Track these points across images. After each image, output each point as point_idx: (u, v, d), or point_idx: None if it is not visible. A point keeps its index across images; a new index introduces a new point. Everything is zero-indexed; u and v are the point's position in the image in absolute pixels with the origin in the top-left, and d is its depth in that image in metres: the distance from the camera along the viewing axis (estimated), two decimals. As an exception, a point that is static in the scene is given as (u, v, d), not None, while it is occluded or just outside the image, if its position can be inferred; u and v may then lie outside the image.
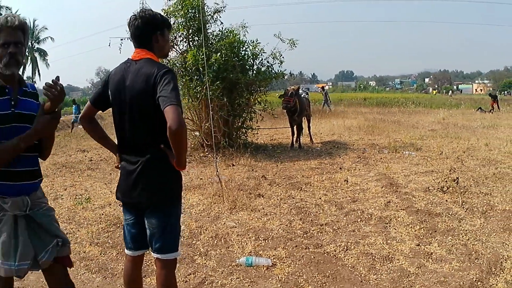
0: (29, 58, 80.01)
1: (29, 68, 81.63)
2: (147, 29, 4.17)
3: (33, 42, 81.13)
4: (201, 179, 12.56)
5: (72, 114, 34.38)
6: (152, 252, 4.27)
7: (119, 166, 4.37)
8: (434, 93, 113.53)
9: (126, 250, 4.52)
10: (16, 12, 75.13)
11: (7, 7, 74.35)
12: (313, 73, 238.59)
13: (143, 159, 4.07)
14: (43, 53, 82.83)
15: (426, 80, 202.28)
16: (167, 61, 17.46)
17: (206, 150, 17.08)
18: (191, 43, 17.57)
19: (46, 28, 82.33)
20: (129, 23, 4.21)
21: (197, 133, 18.19)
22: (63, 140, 25.29)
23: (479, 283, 5.72)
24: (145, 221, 4.24)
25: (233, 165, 14.46)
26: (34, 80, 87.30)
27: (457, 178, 10.41)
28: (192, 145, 18.19)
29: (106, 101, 4.31)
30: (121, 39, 17.43)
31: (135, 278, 4.58)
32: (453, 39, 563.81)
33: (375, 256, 6.71)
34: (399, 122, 28.94)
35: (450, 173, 11.21)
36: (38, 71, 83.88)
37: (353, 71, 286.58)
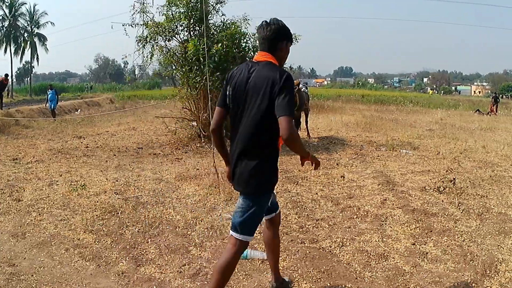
0: (28, 42, 79.70)
1: (28, 52, 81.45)
2: (277, 37, 4.57)
3: (32, 26, 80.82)
4: (197, 169, 12.52)
5: (47, 101, 32.14)
6: (231, 230, 4.73)
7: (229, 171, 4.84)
8: (430, 93, 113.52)
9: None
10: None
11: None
12: (312, 68, 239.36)
13: (249, 151, 4.50)
14: (42, 38, 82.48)
15: (425, 79, 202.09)
16: (167, 50, 17.51)
17: (203, 140, 17.13)
18: (192, 33, 17.59)
19: (46, 13, 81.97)
20: (260, 27, 4.63)
21: (194, 123, 18.15)
22: (59, 126, 25.31)
23: (473, 284, 5.72)
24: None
25: (230, 156, 14.23)
26: (32, 65, 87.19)
27: (454, 179, 10.46)
28: (189, 135, 18.29)
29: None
30: (123, 25, 17.61)
31: (274, 235, 5.32)
32: (453, 40, 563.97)
33: (370, 254, 6.71)
34: (396, 121, 28.95)
35: (446, 174, 11.26)
36: (37, 56, 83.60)
37: (352, 68, 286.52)
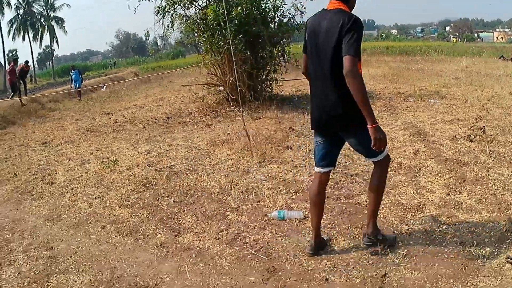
0: (46, 27, 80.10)
1: (47, 37, 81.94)
2: None
3: (48, 10, 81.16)
4: (228, 133, 12.44)
5: (71, 82, 31.90)
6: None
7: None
8: (454, 41, 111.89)
9: (315, 168, 5.41)
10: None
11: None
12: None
13: (327, 91, 4.90)
14: (60, 21, 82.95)
15: (447, 28, 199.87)
16: (187, 18, 17.38)
17: (231, 104, 16.96)
18: (210, -2, 17.29)
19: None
20: None
21: (221, 88, 18.06)
22: (86, 105, 25.34)
23: (508, 233, 5.58)
24: (337, 144, 5.31)
25: (259, 118, 14.32)
26: (53, 48, 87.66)
27: (484, 126, 10.19)
28: (217, 100, 18.15)
29: None
30: (138, 0, 17.59)
31: (320, 192, 5.39)
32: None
33: (406, 206, 6.58)
34: (423, 70, 28.31)
35: (476, 122, 11.02)
36: (56, 39, 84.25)
37: (374, 20, 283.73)
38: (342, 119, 4.89)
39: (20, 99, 24.86)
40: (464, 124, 11.21)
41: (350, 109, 4.71)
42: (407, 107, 14.82)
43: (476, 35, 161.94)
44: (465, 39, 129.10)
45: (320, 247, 5.51)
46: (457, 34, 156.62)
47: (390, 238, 5.53)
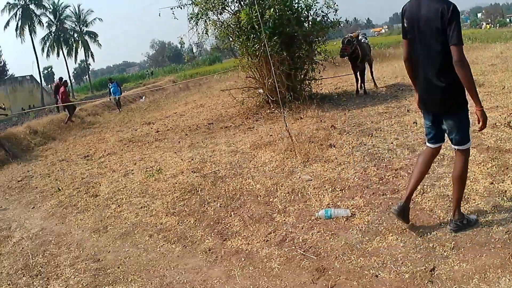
0: (80, 42, 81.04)
1: (81, 52, 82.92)
2: None
3: (81, 26, 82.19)
4: (270, 135, 12.37)
5: (111, 94, 32.14)
6: (452, 145, 5.49)
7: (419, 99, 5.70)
8: (488, 27, 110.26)
9: (427, 143, 5.75)
10: (59, 1, 76.83)
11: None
12: (368, 18, 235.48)
13: (433, 76, 5.13)
14: (93, 35, 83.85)
15: (479, 15, 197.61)
16: (221, 23, 17.41)
17: (272, 106, 16.92)
18: (242, 2, 17.39)
19: (92, 11, 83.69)
20: None
21: (261, 91, 18.01)
22: (126, 116, 25.61)
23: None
24: (442, 123, 5.38)
25: (301, 118, 14.19)
26: (88, 62, 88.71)
27: (523, 112, 10.05)
28: (258, 103, 18.07)
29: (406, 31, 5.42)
30: (171, 8, 17.72)
31: (427, 162, 5.74)
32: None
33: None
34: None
35: (515, 108, 10.84)
36: (91, 53, 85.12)
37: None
38: (446, 102, 5.18)
39: (71, 119, 24.89)
40: (503, 111, 10.97)
41: (453, 94, 5.10)
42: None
43: (508, 19, 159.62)
44: (498, 24, 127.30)
45: (406, 211, 5.72)
46: (489, 20, 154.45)
47: (473, 220, 5.66)
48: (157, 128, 18.10)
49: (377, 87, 19.13)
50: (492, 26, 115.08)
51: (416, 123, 11.05)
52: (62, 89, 26.33)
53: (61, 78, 29.45)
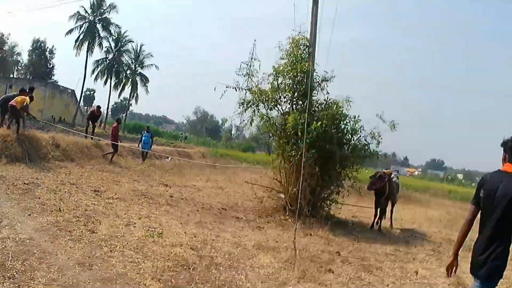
0: (130, 80, 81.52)
1: (127, 89, 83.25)
2: None
3: (136, 65, 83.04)
4: (276, 241, 12.39)
5: (140, 141, 32.86)
6: None
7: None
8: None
9: None
10: (124, 33, 78.04)
11: (117, 25, 76.81)
12: (406, 156, 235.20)
13: (495, 247, 5.47)
14: (144, 79, 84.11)
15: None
16: (267, 118, 17.65)
17: (288, 214, 16.91)
18: (294, 106, 17.76)
19: (152, 56, 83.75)
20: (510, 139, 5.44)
21: (282, 195, 18.09)
22: (147, 169, 25.83)
23: None
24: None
25: (310, 234, 14.25)
26: (130, 102, 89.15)
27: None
28: (275, 206, 18.11)
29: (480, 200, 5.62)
30: (226, 87, 17.88)
31: None
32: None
33: None
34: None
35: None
36: (137, 95, 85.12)
37: (444, 161, 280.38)
38: (499, 270, 5.48)
39: (109, 155, 24.90)
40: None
41: (505, 264, 5.41)
42: (455, 255, 14.53)
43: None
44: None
45: None
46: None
47: None
48: (172, 193, 18.19)
49: (393, 227, 19.18)
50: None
51: (417, 273, 11.11)
52: (115, 124, 26.75)
53: (98, 107, 29.80)
